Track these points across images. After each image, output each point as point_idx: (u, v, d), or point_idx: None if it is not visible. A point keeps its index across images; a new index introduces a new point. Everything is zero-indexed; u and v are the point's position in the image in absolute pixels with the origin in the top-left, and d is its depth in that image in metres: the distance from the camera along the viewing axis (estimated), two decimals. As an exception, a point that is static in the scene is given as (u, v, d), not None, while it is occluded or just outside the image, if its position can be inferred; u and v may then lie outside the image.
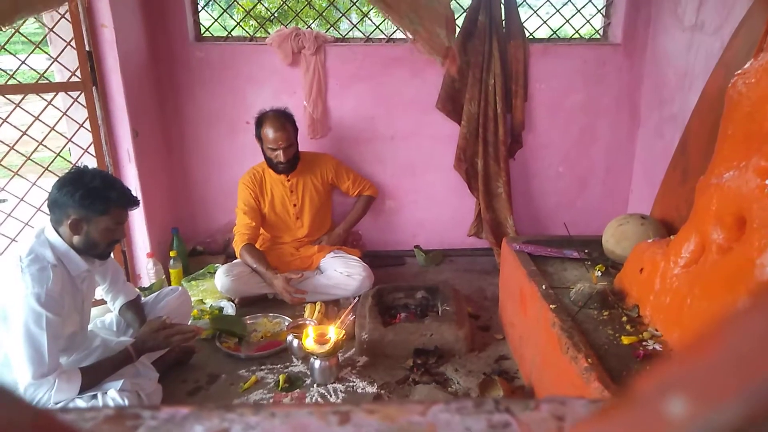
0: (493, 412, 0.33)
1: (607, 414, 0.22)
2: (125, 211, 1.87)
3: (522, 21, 3.06)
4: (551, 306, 1.88)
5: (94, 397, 1.83)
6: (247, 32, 3.24)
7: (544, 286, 2.03)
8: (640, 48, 3.13)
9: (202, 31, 3.16)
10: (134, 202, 1.88)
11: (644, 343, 1.69)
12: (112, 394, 1.82)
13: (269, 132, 2.76)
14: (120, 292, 2.18)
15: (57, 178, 1.82)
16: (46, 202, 1.83)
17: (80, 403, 1.79)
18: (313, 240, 3.07)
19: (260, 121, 2.81)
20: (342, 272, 2.85)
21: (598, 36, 3.30)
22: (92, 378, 1.82)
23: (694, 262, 1.67)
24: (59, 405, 1.75)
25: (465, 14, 3.03)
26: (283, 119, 2.79)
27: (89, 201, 1.75)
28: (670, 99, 2.86)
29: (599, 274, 2.19)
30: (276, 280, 2.70)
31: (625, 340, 1.71)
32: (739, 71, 1.65)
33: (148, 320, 2.12)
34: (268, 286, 2.79)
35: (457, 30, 2.98)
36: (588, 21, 3.25)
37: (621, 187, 3.43)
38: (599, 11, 3.24)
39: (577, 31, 3.28)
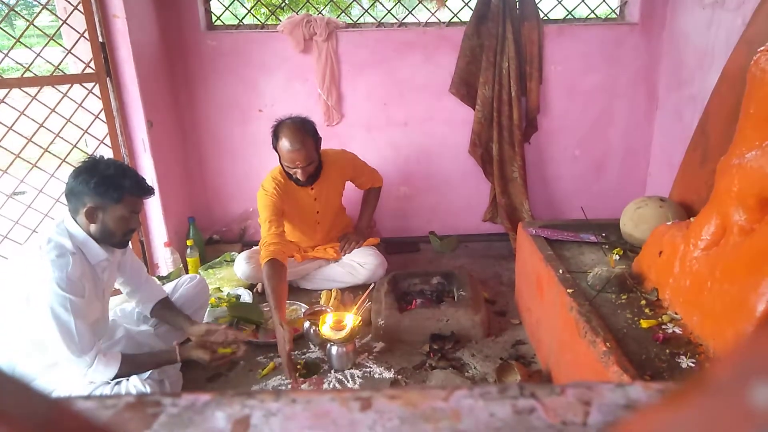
0: (517, 397, 0.32)
1: (679, 401, 0.21)
2: (140, 200, 1.88)
3: (536, 1, 3.00)
4: (568, 290, 1.87)
5: (119, 383, 1.87)
6: (258, 20, 3.23)
7: (561, 271, 2.01)
8: (657, 27, 3.06)
9: (213, 20, 3.15)
10: (148, 191, 1.88)
11: (663, 327, 1.67)
12: (134, 381, 1.86)
13: (286, 150, 2.46)
14: (146, 292, 2.18)
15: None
16: (64, 192, 1.85)
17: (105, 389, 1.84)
18: (328, 240, 2.97)
19: (277, 133, 2.49)
20: (356, 261, 2.84)
21: (615, 15, 3.23)
22: (131, 367, 1.87)
23: (714, 245, 1.64)
24: (90, 385, 1.82)
25: (478, -4, 2.98)
26: (302, 134, 2.45)
27: (104, 189, 1.76)
28: (689, 79, 2.80)
29: (617, 257, 2.17)
30: (279, 331, 2.16)
31: (644, 323, 1.69)
32: (762, 48, 1.61)
33: (207, 328, 2.08)
34: (290, 274, 2.62)
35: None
36: (604, 0, 3.18)
37: (639, 169, 3.38)
38: (615, -10, 3.18)
39: (592, 11, 3.20)
